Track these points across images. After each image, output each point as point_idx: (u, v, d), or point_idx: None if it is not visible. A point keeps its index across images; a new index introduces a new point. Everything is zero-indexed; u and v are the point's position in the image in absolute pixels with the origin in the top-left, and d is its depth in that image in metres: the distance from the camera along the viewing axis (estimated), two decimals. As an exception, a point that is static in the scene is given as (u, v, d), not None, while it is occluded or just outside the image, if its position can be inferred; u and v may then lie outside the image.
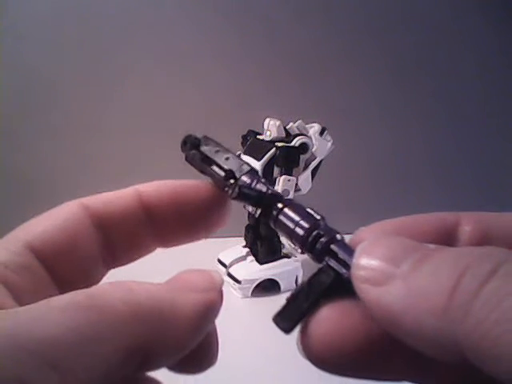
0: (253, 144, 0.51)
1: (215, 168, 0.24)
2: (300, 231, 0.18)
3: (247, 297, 0.50)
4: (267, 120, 0.50)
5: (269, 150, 0.48)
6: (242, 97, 0.65)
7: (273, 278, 0.51)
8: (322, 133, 0.50)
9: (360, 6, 0.65)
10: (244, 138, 0.53)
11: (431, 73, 0.68)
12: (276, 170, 0.48)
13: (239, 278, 0.50)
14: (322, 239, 0.18)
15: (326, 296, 0.15)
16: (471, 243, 0.14)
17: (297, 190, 0.49)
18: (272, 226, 0.20)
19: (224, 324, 0.50)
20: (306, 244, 0.18)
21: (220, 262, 0.54)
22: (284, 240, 0.53)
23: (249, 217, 0.53)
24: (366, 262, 0.12)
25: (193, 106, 0.65)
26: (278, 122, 0.49)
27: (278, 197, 0.20)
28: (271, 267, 0.51)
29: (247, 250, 0.53)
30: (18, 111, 0.63)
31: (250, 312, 0.49)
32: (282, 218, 0.19)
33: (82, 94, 0.64)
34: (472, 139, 0.70)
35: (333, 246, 0.17)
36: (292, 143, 0.48)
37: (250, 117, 0.53)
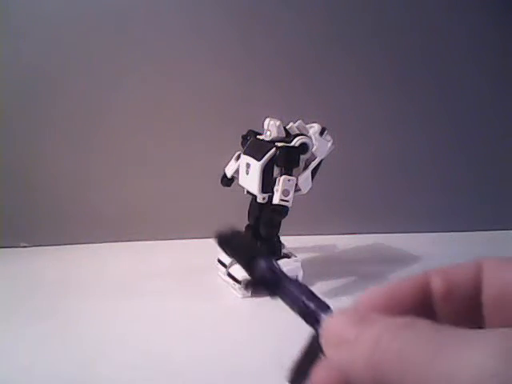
0: (253, 144, 0.51)
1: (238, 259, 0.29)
2: (300, 306, 0.24)
3: (247, 297, 0.50)
4: (267, 120, 0.50)
5: (269, 150, 0.48)
6: (242, 97, 0.65)
7: (273, 277, 0.51)
8: (322, 133, 0.50)
9: (361, 6, 0.65)
10: (244, 137, 0.53)
11: (433, 73, 0.68)
12: (276, 170, 0.48)
13: (239, 278, 0.50)
14: (313, 311, 0.22)
15: (320, 355, 0.19)
16: (441, 292, 0.17)
17: (297, 190, 0.49)
18: (279, 297, 0.25)
19: (224, 324, 0.50)
20: (302, 315, 0.23)
21: (220, 261, 0.54)
22: (284, 240, 0.53)
23: (249, 217, 0.53)
24: (329, 328, 0.16)
25: (193, 105, 0.65)
26: (278, 122, 0.49)
27: (283, 279, 0.26)
28: (271, 267, 0.51)
29: (247, 250, 0.53)
30: (18, 109, 0.63)
31: (250, 312, 0.49)
32: (284, 294, 0.25)
33: (82, 92, 0.64)
34: (474, 139, 0.70)
35: (319, 318, 0.22)
36: (292, 143, 0.48)
37: (250, 117, 0.53)
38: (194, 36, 0.64)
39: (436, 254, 0.62)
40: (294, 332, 0.46)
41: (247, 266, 0.28)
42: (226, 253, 0.30)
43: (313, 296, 0.24)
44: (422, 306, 0.17)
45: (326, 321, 0.17)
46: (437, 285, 0.18)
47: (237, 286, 0.51)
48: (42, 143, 0.64)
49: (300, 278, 0.53)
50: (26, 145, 0.64)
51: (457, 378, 0.12)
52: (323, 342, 0.16)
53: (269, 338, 0.43)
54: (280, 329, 0.45)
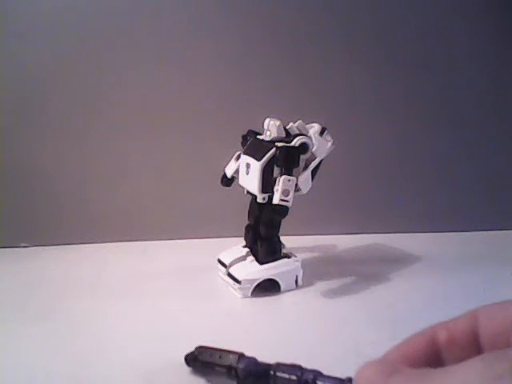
0: (253, 144, 0.51)
1: (218, 368, 0.34)
2: (293, 380, 0.30)
3: (247, 297, 0.50)
4: (267, 120, 0.50)
5: (269, 150, 0.48)
6: (242, 97, 0.65)
7: (273, 278, 0.51)
8: (322, 133, 0.50)
9: (361, 6, 0.65)
10: (244, 137, 0.53)
11: (433, 72, 0.68)
12: (276, 170, 0.48)
13: (239, 278, 0.50)
14: (309, 380, 0.29)
15: None
16: (445, 342, 0.21)
17: (297, 189, 0.49)
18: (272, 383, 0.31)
19: (224, 324, 0.50)
20: None
21: (220, 261, 0.54)
22: (284, 240, 0.53)
23: (249, 217, 0.53)
24: (362, 376, 0.19)
25: (193, 105, 0.65)
26: (278, 122, 0.49)
27: (269, 365, 0.32)
28: (271, 267, 0.51)
29: (247, 249, 0.53)
30: (18, 109, 0.63)
31: (250, 312, 0.49)
32: (278, 376, 0.31)
33: (82, 92, 0.64)
34: (475, 139, 0.70)
35: (318, 381, 0.29)
36: (292, 143, 0.48)
37: (250, 117, 0.53)
38: (194, 36, 0.64)
39: (436, 253, 0.62)
40: (294, 332, 0.46)
41: (229, 371, 0.33)
42: (198, 369, 0.36)
43: (298, 368, 0.30)
44: (433, 357, 0.21)
45: (360, 370, 0.19)
46: (442, 337, 0.21)
47: (237, 285, 0.51)
48: (42, 143, 0.64)
49: (300, 278, 0.53)
50: (26, 145, 0.64)
51: None
52: None
53: (268, 337, 0.43)
54: (280, 329, 0.45)
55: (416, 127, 0.69)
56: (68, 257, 0.63)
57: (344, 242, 0.66)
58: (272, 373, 0.31)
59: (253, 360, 0.33)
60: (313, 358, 0.32)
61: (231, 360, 0.34)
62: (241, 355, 0.34)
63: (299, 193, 0.49)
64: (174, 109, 0.65)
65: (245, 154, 0.51)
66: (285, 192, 0.46)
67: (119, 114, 0.65)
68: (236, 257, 0.53)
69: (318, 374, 0.29)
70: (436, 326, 0.21)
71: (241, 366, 0.33)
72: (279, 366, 0.31)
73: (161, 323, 0.46)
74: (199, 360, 0.36)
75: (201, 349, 0.37)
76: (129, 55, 0.63)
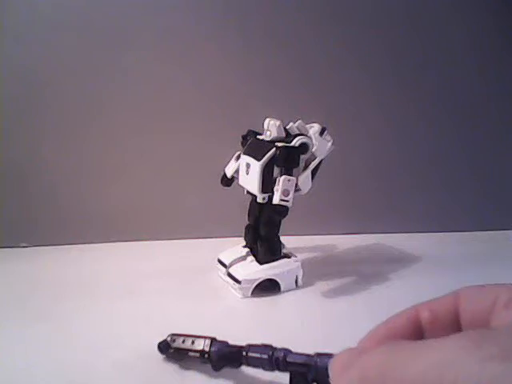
0: (253, 144, 0.51)
1: (191, 353, 0.35)
2: (265, 358, 0.31)
3: (247, 297, 0.50)
4: (267, 120, 0.50)
5: (269, 150, 0.48)
6: (242, 97, 0.65)
7: (273, 277, 0.51)
8: (322, 133, 0.50)
9: (361, 6, 0.65)
10: (244, 137, 0.53)
11: (433, 72, 0.68)
12: (276, 170, 0.48)
13: (239, 278, 0.50)
14: (280, 358, 0.31)
15: None
16: (428, 322, 0.21)
17: (297, 190, 0.49)
18: (245, 364, 0.33)
19: (224, 324, 0.50)
20: (272, 365, 0.31)
21: (220, 261, 0.54)
22: (284, 240, 0.53)
23: (249, 217, 0.53)
24: (335, 361, 0.20)
25: (193, 105, 0.65)
26: (278, 122, 0.49)
27: (241, 347, 0.33)
28: (271, 267, 0.51)
29: (247, 249, 0.53)
30: (17, 109, 0.63)
31: (250, 312, 0.49)
32: (251, 356, 0.32)
33: (81, 91, 0.64)
34: (474, 139, 0.70)
35: (288, 358, 0.31)
36: (292, 143, 0.48)
37: (250, 117, 0.53)
38: (194, 35, 0.64)
39: (436, 254, 0.62)
40: (294, 332, 0.46)
41: (203, 355, 0.34)
42: (171, 356, 0.37)
43: (269, 347, 0.31)
44: (416, 337, 0.21)
45: (334, 357, 0.20)
46: (424, 316, 0.21)
47: (237, 285, 0.51)
48: (42, 143, 0.64)
49: (300, 278, 0.53)
50: (25, 145, 0.64)
51: (424, 373, 0.15)
52: (331, 373, 0.20)
53: (269, 338, 0.43)
54: (280, 329, 0.45)
55: (416, 127, 0.69)
56: (68, 257, 0.63)
57: (344, 242, 0.66)
58: (244, 354, 0.32)
59: (225, 343, 0.34)
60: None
61: (204, 345, 0.35)
62: (213, 339, 0.35)
63: (299, 193, 0.49)
64: (173, 109, 0.65)
65: (245, 154, 0.51)
66: (285, 192, 0.46)
67: (119, 113, 0.64)
68: (236, 257, 0.53)
69: (288, 352, 0.31)
70: (419, 305, 0.21)
71: (213, 349, 0.34)
72: (251, 347, 0.32)
73: (160, 323, 0.45)
74: (172, 347, 0.37)
75: (173, 336, 0.38)
76: (128, 54, 0.63)
